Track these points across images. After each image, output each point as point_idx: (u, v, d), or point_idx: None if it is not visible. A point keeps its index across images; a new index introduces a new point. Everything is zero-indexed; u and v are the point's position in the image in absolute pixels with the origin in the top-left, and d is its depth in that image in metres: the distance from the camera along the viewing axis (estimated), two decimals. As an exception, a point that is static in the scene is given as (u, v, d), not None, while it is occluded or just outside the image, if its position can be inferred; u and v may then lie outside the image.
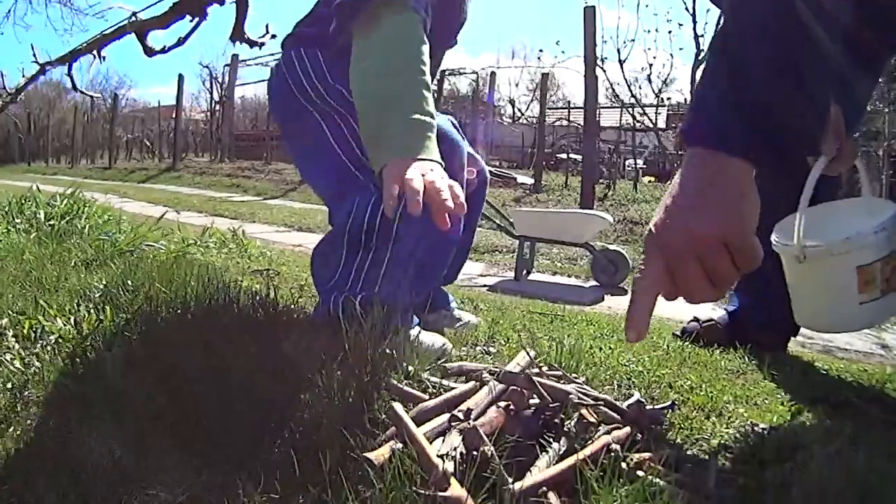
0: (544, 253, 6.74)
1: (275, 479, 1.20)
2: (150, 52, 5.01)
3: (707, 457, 1.35)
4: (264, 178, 14.84)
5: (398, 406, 1.23)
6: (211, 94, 24.84)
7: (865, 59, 1.55)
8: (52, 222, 4.16)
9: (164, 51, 5.17)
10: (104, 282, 2.42)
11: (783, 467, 1.25)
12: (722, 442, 1.43)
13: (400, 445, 1.17)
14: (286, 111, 2.21)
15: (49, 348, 1.84)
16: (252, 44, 5.52)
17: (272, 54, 14.28)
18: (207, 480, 1.24)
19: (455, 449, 1.12)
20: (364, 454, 1.15)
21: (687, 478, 1.22)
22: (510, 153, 20.65)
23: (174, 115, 19.62)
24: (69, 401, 1.53)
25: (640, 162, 14.89)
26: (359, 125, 1.78)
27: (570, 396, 1.35)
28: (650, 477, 1.16)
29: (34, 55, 4.84)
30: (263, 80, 30.48)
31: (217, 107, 23.08)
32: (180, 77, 17.24)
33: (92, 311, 2.09)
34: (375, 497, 1.08)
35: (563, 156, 15.64)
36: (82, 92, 5.23)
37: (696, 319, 2.55)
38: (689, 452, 1.37)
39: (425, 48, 1.77)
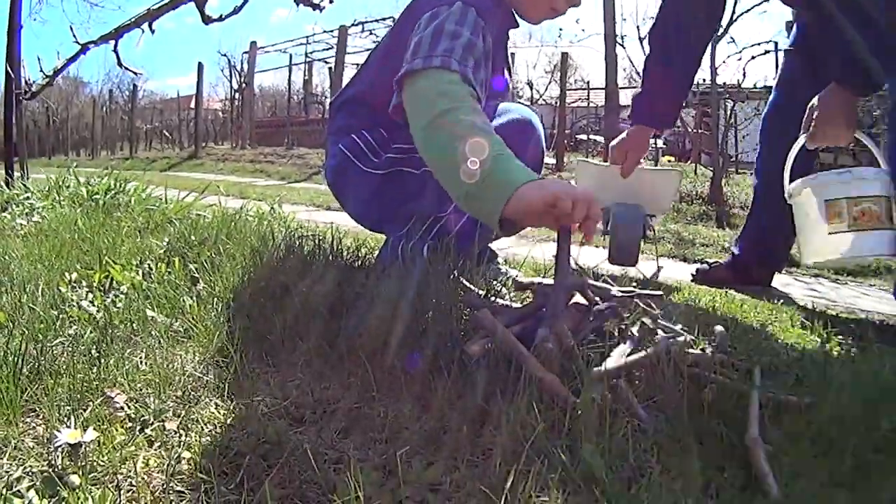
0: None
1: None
2: (207, 20, 5.01)
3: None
4: (287, 163, 14.86)
5: (487, 313, 1.34)
6: (230, 82, 24.87)
7: None
8: (96, 197, 4.26)
9: (220, 19, 5.16)
10: (166, 240, 2.52)
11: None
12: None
13: (491, 343, 1.28)
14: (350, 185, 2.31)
15: (122, 296, 1.93)
16: (315, 6, 5.49)
17: (291, 40, 14.28)
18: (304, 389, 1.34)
19: (547, 339, 1.23)
20: (463, 346, 1.26)
21: (733, 375, 1.37)
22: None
23: (194, 103, 19.68)
24: (157, 333, 1.62)
25: (659, 142, 14.86)
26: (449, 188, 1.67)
27: (613, 293, 1.62)
28: (705, 373, 1.30)
29: (74, 36, 4.90)
30: (282, 67, 30.45)
31: (236, 95, 23.15)
32: (200, 65, 17.28)
33: (158, 264, 2.18)
34: (479, 378, 1.18)
35: (584, 137, 15.65)
36: (128, 68, 5.26)
37: (705, 261, 3.21)
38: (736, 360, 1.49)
39: (463, 90, 1.73)
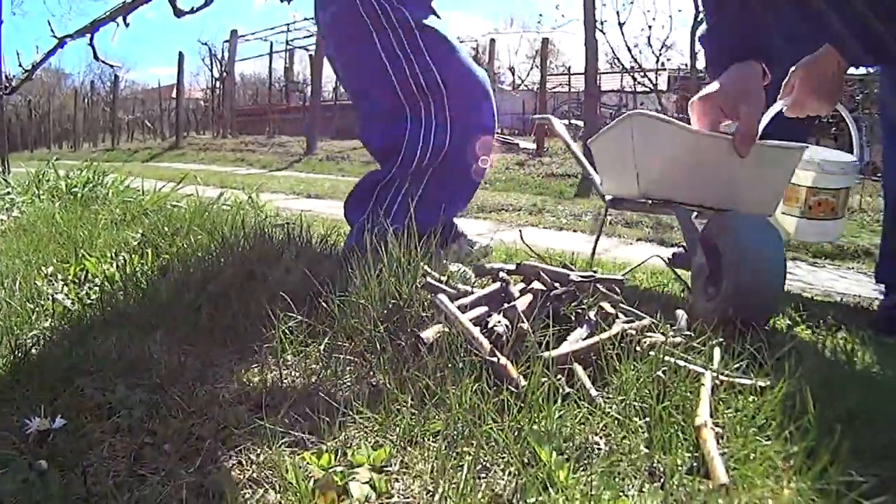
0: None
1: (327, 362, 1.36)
2: (179, 13, 5.02)
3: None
4: (268, 151, 14.87)
5: (443, 297, 1.39)
6: (211, 71, 24.81)
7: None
8: (74, 190, 4.28)
9: (192, 11, 5.16)
10: (140, 232, 2.55)
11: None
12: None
13: (446, 329, 1.33)
14: (346, 37, 2.38)
15: (96, 288, 1.96)
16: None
17: (272, 28, 14.25)
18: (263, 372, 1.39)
19: (499, 323, 1.28)
20: (417, 333, 1.31)
21: (690, 358, 1.38)
22: (511, 120, 20.67)
23: (175, 94, 19.65)
24: (127, 322, 1.66)
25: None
26: None
27: (571, 277, 1.59)
28: (662, 356, 1.32)
29: (52, 30, 4.91)
30: (263, 55, 30.39)
31: (217, 84, 23.10)
32: (180, 55, 17.24)
33: (132, 255, 2.22)
34: (430, 365, 1.23)
35: (565, 122, 15.69)
36: (104, 62, 5.26)
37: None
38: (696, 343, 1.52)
39: None
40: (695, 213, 2.14)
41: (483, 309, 1.46)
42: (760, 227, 1.84)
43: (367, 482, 0.95)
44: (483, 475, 1.01)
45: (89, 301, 1.83)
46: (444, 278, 1.71)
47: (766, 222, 1.89)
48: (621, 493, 0.98)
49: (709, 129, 1.95)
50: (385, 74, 2.25)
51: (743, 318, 1.67)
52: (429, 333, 1.33)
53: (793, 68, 2.19)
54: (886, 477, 1.03)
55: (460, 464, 1.01)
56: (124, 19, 4.63)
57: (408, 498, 0.94)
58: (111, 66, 5.71)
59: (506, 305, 1.41)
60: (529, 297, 1.50)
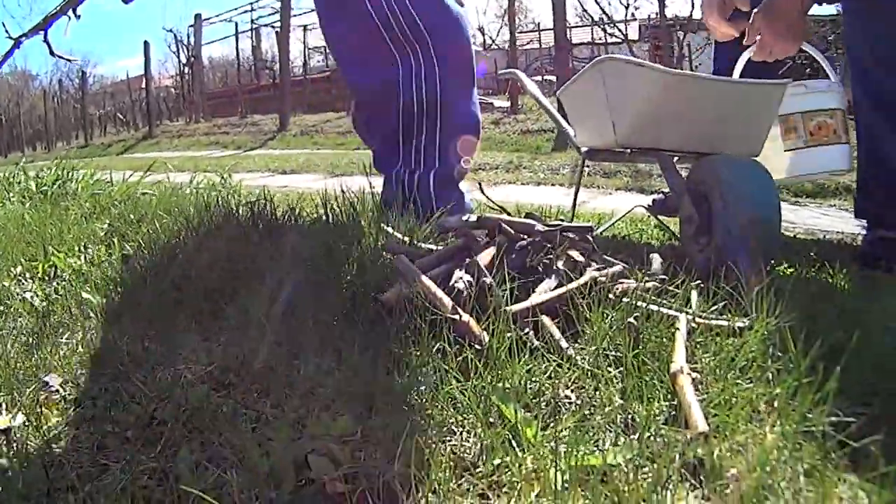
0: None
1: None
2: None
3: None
4: (242, 131, 14.82)
5: (403, 257, 1.37)
6: (178, 57, 24.55)
7: None
8: (44, 189, 4.23)
9: None
10: (107, 222, 2.53)
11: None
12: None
13: (407, 290, 1.30)
14: None
15: (64, 283, 1.94)
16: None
17: (235, 8, 14.12)
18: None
19: (460, 279, 1.26)
20: (376, 296, 1.29)
21: (668, 301, 1.36)
22: (485, 81, 20.58)
23: (144, 84, 19.48)
24: (93, 314, 1.64)
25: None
26: None
27: (537, 228, 1.55)
28: (634, 302, 1.29)
29: (6, 31, 4.82)
30: (229, 37, 30.16)
31: (186, 69, 22.89)
32: (146, 44, 17.09)
33: (100, 247, 2.20)
34: (391, 328, 1.21)
35: (538, 78, 15.62)
36: (60, 56, 5.18)
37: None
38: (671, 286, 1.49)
39: None
40: (676, 158, 2.11)
41: (445, 267, 1.44)
42: (749, 170, 1.80)
43: (325, 454, 0.94)
44: (447, 438, 0.99)
45: (56, 296, 1.81)
46: (407, 239, 1.69)
47: (755, 164, 1.85)
48: (595, 448, 0.95)
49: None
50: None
51: (740, 266, 1.59)
52: (388, 295, 1.31)
53: (755, 10, 2.15)
54: (875, 415, 0.98)
55: (423, 428, 0.99)
56: (74, 11, 4.55)
57: (370, 467, 0.93)
58: (69, 61, 5.63)
59: (467, 261, 1.38)
60: (492, 250, 1.47)
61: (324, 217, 2.06)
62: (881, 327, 1.28)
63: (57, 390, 1.26)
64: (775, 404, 1.02)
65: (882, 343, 1.21)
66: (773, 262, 1.79)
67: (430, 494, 0.86)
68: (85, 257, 2.15)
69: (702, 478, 0.88)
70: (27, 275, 2.06)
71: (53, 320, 1.65)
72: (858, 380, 1.08)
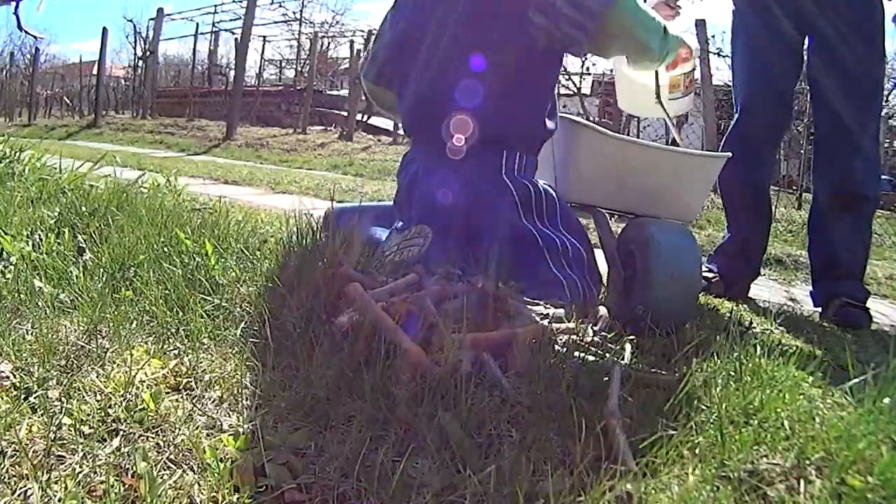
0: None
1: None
2: None
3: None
4: (188, 134, 14.64)
5: (357, 286, 1.42)
6: (134, 49, 24.24)
7: None
8: (-10, 166, 4.16)
9: None
10: (57, 210, 2.52)
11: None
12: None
13: (359, 316, 1.36)
14: None
15: (11, 267, 1.94)
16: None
17: (198, 9, 13.98)
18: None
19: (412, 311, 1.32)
20: (332, 320, 1.34)
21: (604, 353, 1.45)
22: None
23: (96, 70, 19.17)
24: (44, 304, 1.65)
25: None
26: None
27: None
28: (575, 351, 1.39)
29: (-22, -4, 4.74)
30: (188, 36, 29.80)
31: (140, 62, 22.59)
32: (104, 30, 16.78)
33: (49, 234, 2.19)
34: (345, 353, 1.26)
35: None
36: (28, 32, 5.10)
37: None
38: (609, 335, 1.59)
39: None
40: (614, 217, 2.19)
41: (398, 297, 1.49)
42: (677, 236, 1.88)
43: (283, 464, 0.98)
44: (397, 459, 1.04)
45: (4, 280, 1.81)
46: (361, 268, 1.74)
47: (684, 231, 1.94)
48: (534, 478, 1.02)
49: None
50: None
51: (658, 324, 1.72)
52: (343, 319, 1.37)
53: None
54: (787, 467, 1.08)
55: (375, 448, 1.04)
56: (52, -13, 4.52)
57: (324, 481, 0.97)
58: (35, 38, 5.60)
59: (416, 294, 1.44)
60: (439, 288, 1.53)
61: (281, 236, 2.09)
62: (792, 387, 1.38)
63: (7, 376, 1.27)
64: (696, 451, 1.12)
65: (793, 401, 1.31)
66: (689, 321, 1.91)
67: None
68: (33, 243, 2.14)
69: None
70: (-30, 256, 2.05)
71: (1, 304, 1.65)
72: (773, 435, 1.18)
